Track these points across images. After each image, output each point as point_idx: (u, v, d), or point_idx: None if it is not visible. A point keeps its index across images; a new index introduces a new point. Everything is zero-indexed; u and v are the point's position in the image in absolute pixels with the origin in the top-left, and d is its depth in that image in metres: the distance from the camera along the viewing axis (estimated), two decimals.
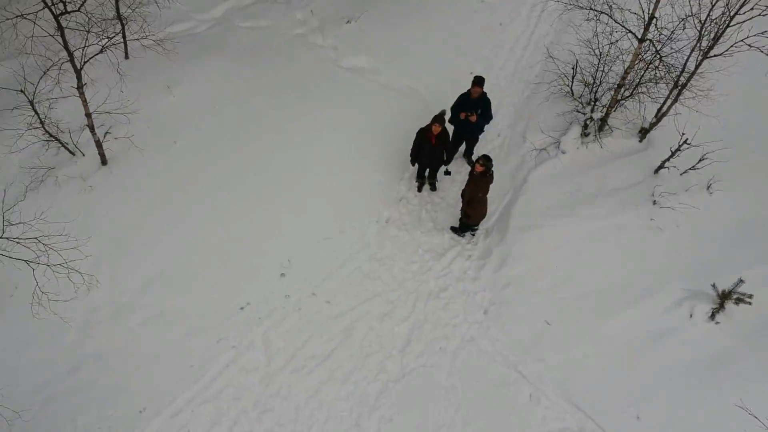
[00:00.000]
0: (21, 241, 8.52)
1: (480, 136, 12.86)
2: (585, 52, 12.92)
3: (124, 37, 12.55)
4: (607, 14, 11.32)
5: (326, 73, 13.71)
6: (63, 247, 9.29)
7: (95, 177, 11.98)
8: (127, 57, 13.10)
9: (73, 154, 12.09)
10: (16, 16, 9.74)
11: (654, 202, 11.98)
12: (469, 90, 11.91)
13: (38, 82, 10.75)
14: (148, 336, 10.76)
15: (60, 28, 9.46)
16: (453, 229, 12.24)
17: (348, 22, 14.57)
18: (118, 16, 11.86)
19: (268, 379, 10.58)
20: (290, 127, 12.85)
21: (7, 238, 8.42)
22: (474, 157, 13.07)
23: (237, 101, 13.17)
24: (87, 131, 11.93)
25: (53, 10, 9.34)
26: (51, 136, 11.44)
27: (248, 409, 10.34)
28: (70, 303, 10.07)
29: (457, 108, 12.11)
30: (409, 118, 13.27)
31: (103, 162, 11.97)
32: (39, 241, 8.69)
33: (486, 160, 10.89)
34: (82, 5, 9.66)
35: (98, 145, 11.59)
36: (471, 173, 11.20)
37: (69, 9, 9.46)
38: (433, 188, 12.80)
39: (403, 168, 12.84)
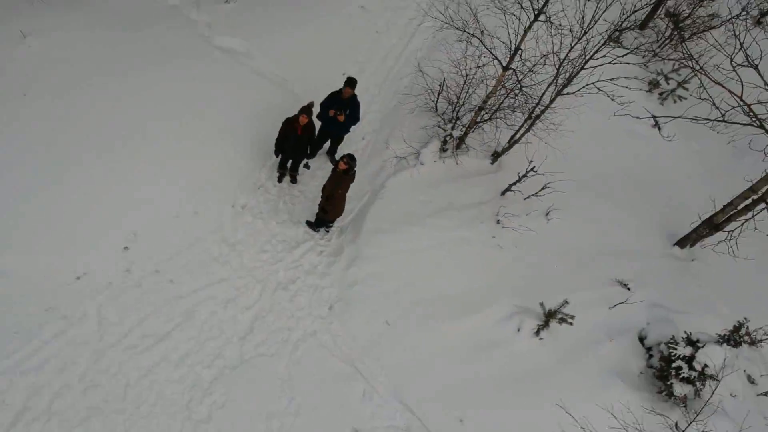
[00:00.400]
0: None
1: (345, 137, 13.22)
2: (453, 72, 13.68)
3: None
4: (478, 38, 12.10)
5: (196, 49, 13.42)
6: None
7: None
8: None
9: None
10: None
11: (497, 221, 12.91)
12: (340, 89, 12.23)
13: None
14: None
15: None
16: (309, 223, 12.46)
17: (227, 1, 14.42)
18: None
19: (98, 354, 10.16)
20: (153, 98, 12.42)
21: None
22: (337, 156, 13.43)
23: (97, 62, 12.53)
24: None
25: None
26: None
27: (73, 383, 9.89)
28: None
29: (326, 105, 12.37)
30: (278, 108, 13.32)
31: None
32: None
33: (350, 158, 11.24)
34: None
35: None
36: (334, 170, 11.50)
37: None
38: (294, 180, 12.97)
39: (266, 156, 12.88)
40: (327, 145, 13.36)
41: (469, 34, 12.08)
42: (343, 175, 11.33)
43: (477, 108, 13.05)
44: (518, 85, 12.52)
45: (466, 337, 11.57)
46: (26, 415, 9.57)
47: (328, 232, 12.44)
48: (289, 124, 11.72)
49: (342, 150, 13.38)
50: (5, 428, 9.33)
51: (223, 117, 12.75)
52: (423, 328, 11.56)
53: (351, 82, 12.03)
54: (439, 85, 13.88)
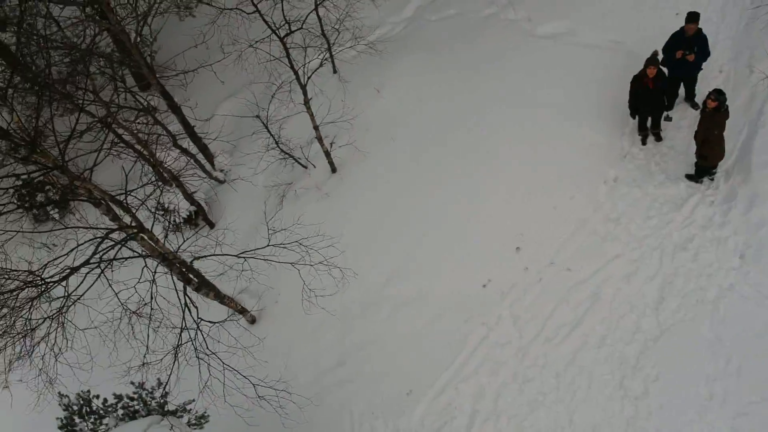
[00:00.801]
0: (287, 245, 9.62)
1: (699, 76, 12.33)
2: None
3: (330, 53, 13.65)
4: None
5: (522, 45, 13.80)
6: (320, 246, 10.33)
7: (328, 184, 13.12)
8: (335, 71, 14.21)
9: (305, 167, 13.35)
10: (249, 46, 11.11)
11: None
12: (682, 27, 11.48)
13: (269, 105, 12.04)
14: (399, 323, 11.54)
15: (286, 50, 10.61)
16: (688, 176, 11.79)
17: None
18: (323, 34, 12.98)
19: (522, 351, 10.89)
20: (498, 107, 13.07)
21: (273, 245, 9.55)
22: (696, 99, 12.59)
23: (441, 91, 13.67)
24: (315, 144, 13.16)
25: (278, 33, 10.52)
26: (285, 153, 12.75)
27: (508, 382, 10.71)
28: (334, 297, 11.11)
29: (670, 48, 11.69)
30: (619, 71, 12.97)
31: (333, 170, 13.07)
32: (300, 244, 9.76)
33: (718, 94, 10.43)
34: (303, 22, 10.76)
35: (327, 154, 12.69)
36: (702, 111, 10.78)
37: (293, 29, 10.59)
38: (658, 138, 12.44)
39: (623, 123, 12.61)
40: (682, 91, 12.57)
41: None
42: (714, 114, 10.56)
43: None
44: None
45: None
46: (477, 417, 10.59)
47: (712, 180, 11.64)
48: (638, 81, 11.35)
49: (700, 90, 12.49)
50: (465, 429, 10.47)
51: (567, 99, 12.85)
52: None
53: (693, 17, 11.22)
54: None
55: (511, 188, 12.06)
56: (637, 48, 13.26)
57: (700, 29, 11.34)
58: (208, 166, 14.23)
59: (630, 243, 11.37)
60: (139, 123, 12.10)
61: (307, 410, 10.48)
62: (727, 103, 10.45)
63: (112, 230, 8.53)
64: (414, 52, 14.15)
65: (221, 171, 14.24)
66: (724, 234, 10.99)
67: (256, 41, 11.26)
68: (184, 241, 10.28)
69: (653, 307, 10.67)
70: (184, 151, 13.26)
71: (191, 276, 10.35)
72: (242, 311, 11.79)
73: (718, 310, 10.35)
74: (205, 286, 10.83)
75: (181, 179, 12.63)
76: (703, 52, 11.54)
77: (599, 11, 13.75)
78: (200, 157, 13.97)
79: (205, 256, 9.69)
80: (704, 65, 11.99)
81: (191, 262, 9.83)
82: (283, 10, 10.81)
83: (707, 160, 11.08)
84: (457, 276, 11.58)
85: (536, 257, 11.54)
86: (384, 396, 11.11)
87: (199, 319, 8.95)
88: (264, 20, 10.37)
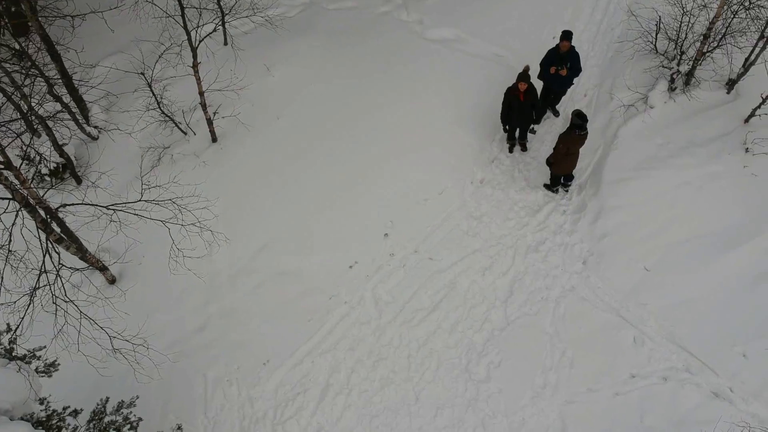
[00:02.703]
0: (159, 202, 9.63)
1: (568, 95, 13.51)
2: (667, 8, 13.43)
3: (223, 24, 13.70)
4: None
5: (413, 47, 14.52)
6: (194, 207, 10.39)
7: (207, 153, 13.15)
8: (225, 43, 14.26)
9: (185, 133, 13.29)
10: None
11: (746, 150, 12.34)
12: (557, 44, 12.56)
13: (155, 65, 11.95)
14: (266, 296, 11.78)
15: (181, 8, 10.61)
16: (546, 186, 12.89)
17: None
18: (218, 3, 13.04)
19: (379, 331, 11.46)
20: (383, 97, 13.69)
21: (146, 200, 9.53)
22: (558, 107, 13.77)
23: (330, 78, 14.11)
24: (198, 111, 13.15)
25: None
26: (166, 116, 12.66)
27: (363, 358, 11.24)
28: (203, 261, 11.19)
29: (546, 63, 12.74)
30: (497, 83, 13.96)
31: (214, 139, 13.11)
32: (174, 203, 9.79)
33: (577, 116, 11.43)
34: None
35: (209, 122, 12.72)
36: (566, 131, 11.82)
37: None
38: (524, 149, 13.49)
39: (494, 131, 13.56)
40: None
41: None
42: (569, 132, 11.61)
43: (702, 36, 12.63)
44: (743, 6, 11.94)
45: (733, 272, 11.20)
46: (330, 390, 11.02)
47: (567, 191, 12.77)
48: (511, 93, 12.26)
49: (566, 107, 13.66)
50: (316, 401, 10.87)
51: (448, 102, 13.63)
52: (686, 268, 11.38)
53: (567, 35, 12.28)
54: (656, 24, 13.63)
55: (386, 177, 12.62)
56: (516, 63, 14.30)
57: (573, 47, 12.44)
58: (82, 121, 13.78)
59: (489, 240, 12.23)
60: (12, 63, 11.58)
61: (163, 368, 10.51)
62: (587, 127, 11.48)
63: None
64: (308, 37, 14.47)
65: (95, 127, 13.87)
66: (572, 241, 12.08)
67: None
68: (52, 187, 10.00)
69: (503, 300, 11.53)
70: (59, 100, 12.82)
71: (54, 226, 10.08)
72: (102, 269, 11.58)
73: (560, 307, 11.36)
74: (67, 237, 10.57)
75: (51, 128, 12.19)
76: (575, 68, 12.65)
77: (486, 25, 14.69)
78: (75, 110, 13.52)
79: (72, 204, 9.49)
80: (572, 87, 13.07)
81: (57, 209, 9.60)
82: None
83: (553, 166, 12.13)
84: (326, 255, 11.96)
85: (402, 244, 12.15)
86: (241, 364, 11.31)
87: (60, 265, 8.78)
88: None
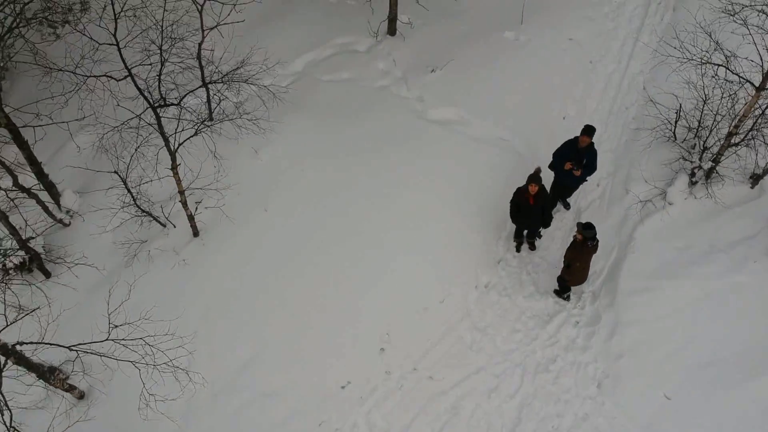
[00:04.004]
0: (128, 343, 8.59)
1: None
2: (686, 92, 12.53)
3: (208, 100, 12.62)
4: (725, 67, 10.87)
5: (413, 127, 13.51)
6: (169, 346, 9.34)
7: (187, 250, 12.07)
8: (211, 119, 13.16)
9: (164, 226, 12.23)
10: (119, 104, 9.91)
11: None
12: (576, 137, 11.59)
13: (129, 163, 10.88)
14: (247, 421, 10.72)
15: (157, 117, 9.57)
16: (556, 292, 11.92)
17: (432, 71, 14.37)
18: (208, 102, 11.98)
19: None
20: (379, 185, 12.66)
21: (114, 340, 8.50)
22: (570, 201, 12.84)
23: (323, 160, 13.08)
24: (175, 199, 12.10)
25: (150, 101, 9.47)
26: (144, 212, 11.60)
27: None
28: (176, 401, 10.10)
29: (561, 155, 11.79)
30: (503, 170, 13.01)
31: (195, 234, 12.07)
32: (146, 342, 8.77)
33: (584, 228, 10.52)
34: (180, 100, 9.77)
35: (190, 218, 11.69)
36: (574, 238, 10.88)
37: (168, 102, 9.57)
38: (532, 247, 12.51)
39: (500, 226, 12.59)
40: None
41: (714, 64, 10.87)
42: (582, 246, 10.67)
43: (727, 134, 11.69)
44: None
45: (765, 404, 10.27)
46: None
47: (567, 299, 11.82)
48: (520, 194, 11.33)
49: (578, 200, 12.73)
50: None
51: (450, 192, 12.65)
52: (708, 397, 10.48)
53: (589, 131, 11.35)
54: (676, 113, 12.70)
55: (383, 283, 11.60)
56: (522, 148, 13.35)
57: (593, 143, 11.50)
58: (53, 206, 12.70)
59: (494, 356, 11.28)
60: None
61: None
62: (597, 237, 10.55)
63: None
64: (300, 113, 13.44)
65: (67, 212, 12.77)
66: (585, 359, 11.13)
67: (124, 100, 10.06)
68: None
69: (510, 428, 10.61)
70: (28, 192, 11.72)
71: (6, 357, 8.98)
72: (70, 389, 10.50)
73: None
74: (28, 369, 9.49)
75: (17, 227, 11.12)
76: (591, 167, 11.77)
77: (490, 103, 13.73)
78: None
79: (30, 342, 8.42)
80: (588, 178, 12.15)
81: (13, 345, 8.53)
82: (159, 88, 9.72)
83: (569, 282, 11.25)
84: (316, 372, 10.99)
85: (400, 361, 11.18)
86: None
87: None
88: (138, 89, 9.25)
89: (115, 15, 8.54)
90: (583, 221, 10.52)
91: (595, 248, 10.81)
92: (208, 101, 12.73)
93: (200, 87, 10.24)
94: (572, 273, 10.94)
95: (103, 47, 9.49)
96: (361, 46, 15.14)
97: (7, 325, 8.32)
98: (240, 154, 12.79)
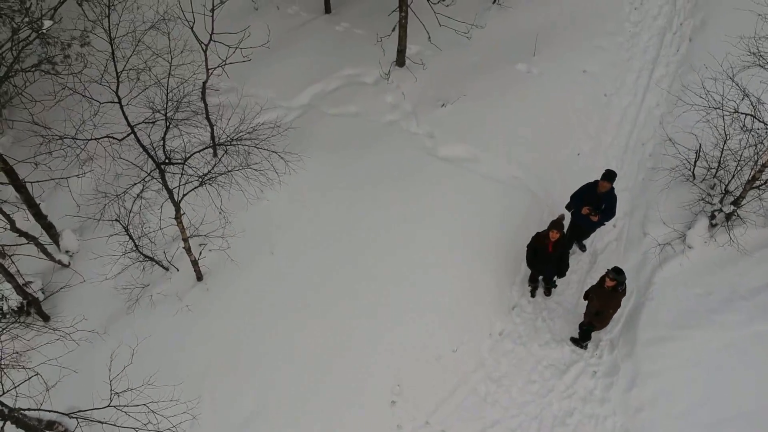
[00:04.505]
0: (130, 411, 8.21)
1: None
2: (706, 130, 12.22)
3: (213, 139, 12.25)
4: (752, 116, 10.54)
5: (423, 164, 13.13)
6: (173, 413, 8.96)
7: (191, 295, 11.70)
8: (215, 155, 12.79)
9: (167, 269, 11.87)
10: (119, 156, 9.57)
11: None
12: (596, 181, 11.25)
13: (132, 205, 10.50)
14: None
15: (161, 172, 9.22)
16: (573, 340, 11.55)
17: (443, 105, 14.01)
18: (214, 150, 11.63)
19: None
20: (387, 227, 12.29)
21: (115, 407, 8.13)
22: (586, 243, 12.50)
23: (330, 200, 12.72)
24: (179, 240, 11.76)
25: (155, 158, 9.15)
26: (146, 257, 11.24)
27: None
28: None
29: (578, 197, 11.45)
30: (516, 212, 12.65)
31: (199, 278, 11.71)
32: (149, 410, 8.40)
33: (617, 273, 10.18)
34: (186, 160, 9.44)
35: (194, 263, 11.33)
36: (600, 284, 10.52)
37: (173, 161, 9.24)
38: (548, 292, 12.14)
39: (514, 270, 12.22)
40: None
41: (743, 114, 10.55)
42: (612, 293, 10.31)
43: (751, 178, 11.35)
44: None
45: None
46: None
47: (597, 347, 11.45)
48: (539, 240, 10.97)
49: (594, 243, 12.39)
50: None
51: (461, 234, 12.27)
52: None
53: (610, 176, 11.01)
54: (696, 153, 12.36)
55: (393, 331, 11.24)
56: (537, 187, 13.01)
57: (613, 188, 11.17)
58: (51, 247, 12.35)
59: (510, 409, 10.92)
60: None
61: None
62: (626, 282, 10.20)
63: None
64: (306, 150, 13.00)
65: (67, 252, 12.41)
66: (604, 412, 10.79)
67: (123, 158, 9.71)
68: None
69: None
70: (26, 235, 11.36)
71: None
72: None
73: None
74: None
75: (12, 273, 10.75)
76: (609, 212, 11.45)
77: (503, 140, 13.36)
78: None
79: (29, 409, 8.06)
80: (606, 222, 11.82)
81: (11, 411, 8.16)
82: (164, 147, 9.37)
83: (596, 328, 10.88)
84: (324, 427, 10.55)
85: (411, 414, 10.81)
86: None
87: None
88: (143, 147, 8.90)
89: (117, 73, 8.19)
90: (611, 266, 10.18)
91: (624, 293, 10.45)
92: (214, 147, 12.37)
93: (206, 148, 9.81)
94: (603, 320, 10.58)
95: (105, 108, 9.16)
96: (369, 78, 14.76)
97: (4, 393, 7.94)
98: (244, 196, 12.35)
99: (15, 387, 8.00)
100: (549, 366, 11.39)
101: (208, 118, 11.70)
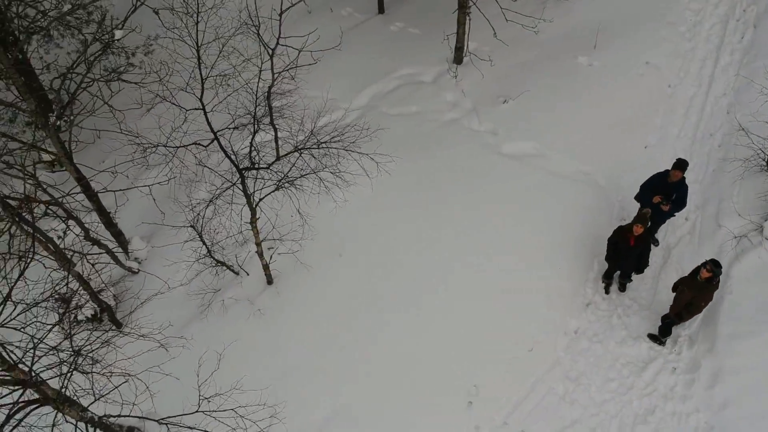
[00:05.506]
0: (219, 415, 8.30)
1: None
2: None
3: (276, 143, 12.27)
4: None
5: (487, 162, 13.08)
6: (260, 416, 9.03)
7: (262, 298, 11.81)
8: (278, 159, 12.84)
9: (237, 273, 11.99)
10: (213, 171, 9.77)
11: None
12: (667, 171, 11.07)
13: (205, 210, 10.62)
14: None
15: (242, 177, 9.32)
16: (651, 337, 11.36)
17: (505, 101, 13.93)
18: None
19: None
20: (457, 227, 12.29)
21: (204, 412, 8.22)
22: (659, 238, 12.29)
23: (395, 201, 12.75)
24: (248, 245, 11.91)
25: (237, 164, 9.27)
26: (218, 263, 11.37)
27: None
28: None
29: (648, 188, 11.28)
30: (585, 208, 12.51)
31: (269, 282, 11.80)
32: (237, 414, 8.48)
33: (714, 265, 9.96)
34: (270, 165, 9.54)
35: (265, 267, 11.43)
36: (693, 276, 10.32)
37: (257, 167, 9.36)
38: (622, 288, 11.97)
39: (587, 267, 12.08)
40: None
41: None
42: (707, 285, 10.12)
43: None
44: None
45: None
46: None
47: (675, 343, 11.25)
48: (621, 234, 10.81)
49: (664, 229, 12.17)
50: None
51: (530, 232, 12.19)
52: None
53: (681, 165, 10.84)
54: None
55: (467, 331, 11.18)
56: (605, 182, 12.85)
57: (684, 178, 11.00)
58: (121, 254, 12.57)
59: (589, 408, 10.79)
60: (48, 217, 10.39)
61: None
62: (720, 275, 10.01)
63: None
64: (368, 152, 12.96)
65: (136, 259, 12.60)
66: (686, 409, 10.61)
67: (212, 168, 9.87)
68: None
69: None
70: (98, 244, 11.58)
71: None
72: None
73: None
74: None
75: (88, 281, 10.97)
76: (680, 202, 11.29)
77: (569, 136, 13.24)
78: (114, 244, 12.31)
79: (118, 416, 8.20)
80: (677, 213, 11.62)
81: (100, 418, 8.31)
82: (251, 155, 9.47)
83: (682, 320, 10.68)
84: (402, 429, 10.49)
85: (489, 415, 10.75)
86: None
87: None
88: (225, 153, 9.01)
89: (202, 78, 8.30)
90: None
91: (717, 286, 10.25)
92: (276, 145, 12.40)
93: (292, 152, 9.87)
94: (692, 312, 10.40)
95: (191, 116, 9.30)
96: (427, 76, 14.76)
97: (95, 400, 8.08)
98: (311, 199, 12.40)
99: (109, 391, 8.10)
100: (627, 363, 11.22)
101: (272, 123, 11.75)
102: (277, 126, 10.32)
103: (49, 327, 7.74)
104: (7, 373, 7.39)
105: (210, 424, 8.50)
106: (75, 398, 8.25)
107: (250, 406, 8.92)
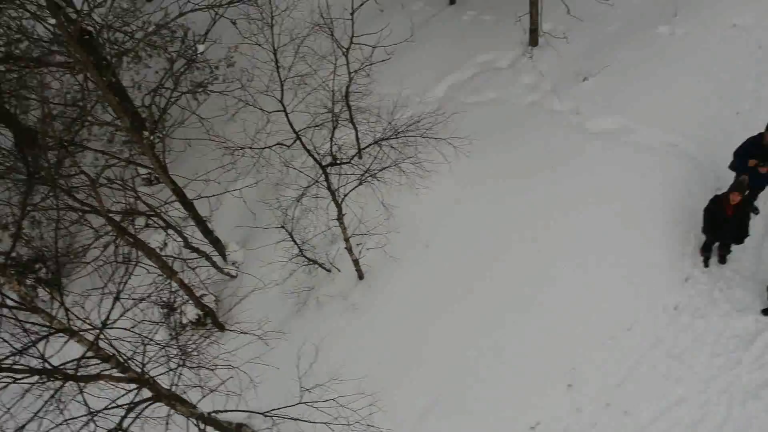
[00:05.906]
0: (319, 405, 8.58)
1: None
2: None
3: (357, 143, 12.56)
4: None
5: (572, 142, 12.88)
6: (359, 405, 9.27)
7: (355, 293, 12.09)
8: (360, 157, 13.12)
9: (329, 271, 12.31)
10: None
11: None
12: (760, 134, 10.61)
13: (294, 211, 10.97)
14: None
15: (325, 174, 9.62)
16: (765, 312, 10.89)
17: (585, 79, 13.69)
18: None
19: None
20: (546, 210, 12.18)
21: (306, 403, 8.51)
22: (759, 206, 11.76)
23: (479, 190, 12.76)
24: (337, 242, 12.20)
25: (320, 161, 9.57)
26: (310, 261, 11.71)
27: None
28: None
29: (742, 153, 10.82)
30: (677, 179, 12.13)
31: (360, 277, 12.06)
32: (338, 404, 8.75)
33: None
34: (351, 159, 9.84)
35: (356, 263, 11.69)
36: None
37: (338, 162, 9.65)
38: (722, 260, 11.55)
39: (684, 240, 11.70)
40: None
41: None
42: None
43: None
44: None
45: None
46: None
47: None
48: (718, 203, 10.45)
49: (765, 198, 11.65)
50: None
51: (622, 208, 11.94)
52: None
53: None
54: None
55: (562, 313, 11.07)
56: (698, 152, 12.44)
57: None
58: (218, 260, 13.13)
59: (695, 385, 10.49)
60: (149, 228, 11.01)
61: None
62: None
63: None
64: (451, 143, 13.05)
65: (233, 264, 13.14)
66: None
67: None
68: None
69: None
70: (198, 251, 12.15)
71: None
72: None
73: None
74: None
75: (192, 287, 11.52)
76: None
77: (656, 108, 12.86)
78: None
79: (225, 411, 8.60)
80: None
81: (210, 413, 8.75)
82: (331, 150, 9.76)
83: None
84: (501, 415, 10.57)
85: (590, 396, 10.62)
86: None
87: None
88: (308, 151, 9.32)
89: (281, 80, 8.62)
90: None
91: None
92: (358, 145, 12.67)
93: (371, 144, 10.11)
94: None
95: (273, 117, 9.67)
96: (503, 62, 14.68)
97: (203, 397, 8.50)
98: (395, 193, 12.59)
99: (217, 386, 8.50)
100: (733, 337, 10.82)
101: (352, 121, 12.03)
102: (355, 121, 10.54)
103: (156, 326, 8.20)
104: (123, 374, 7.89)
105: (312, 415, 8.77)
106: (184, 395, 8.71)
107: (350, 395, 9.13)
